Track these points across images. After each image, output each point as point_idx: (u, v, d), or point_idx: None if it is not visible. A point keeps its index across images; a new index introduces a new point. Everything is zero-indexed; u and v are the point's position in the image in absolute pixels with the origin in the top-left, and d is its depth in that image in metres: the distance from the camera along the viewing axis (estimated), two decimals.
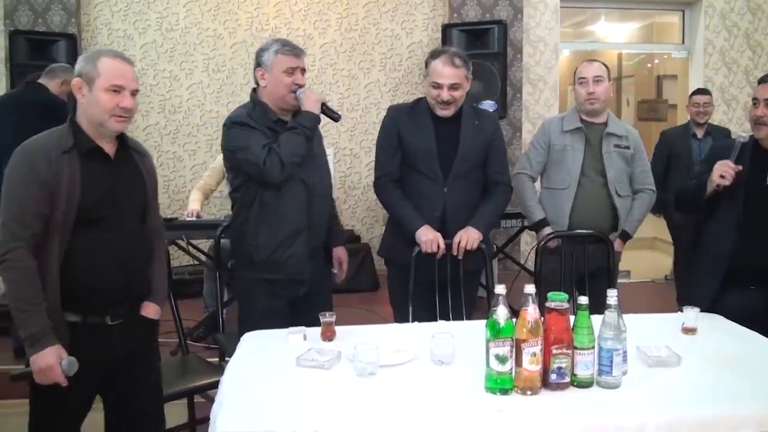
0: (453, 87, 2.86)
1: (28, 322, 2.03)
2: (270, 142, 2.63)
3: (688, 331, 2.38)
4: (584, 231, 3.22)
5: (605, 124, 3.31)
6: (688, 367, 2.09)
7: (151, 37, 5.93)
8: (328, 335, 2.30)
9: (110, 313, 2.19)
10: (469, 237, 2.90)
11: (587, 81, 3.25)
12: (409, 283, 2.89)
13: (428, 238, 2.88)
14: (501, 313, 1.85)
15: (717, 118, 6.40)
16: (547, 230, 3.31)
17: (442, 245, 2.89)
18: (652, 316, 2.72)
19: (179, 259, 5.51)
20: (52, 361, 2.04)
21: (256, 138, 2.64)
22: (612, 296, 1.97)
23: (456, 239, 2.90)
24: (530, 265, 5.67)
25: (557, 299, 1.90)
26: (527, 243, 6.00)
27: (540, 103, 6.18)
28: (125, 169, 2.24)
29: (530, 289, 1.86)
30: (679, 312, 2.50)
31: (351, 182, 6.17)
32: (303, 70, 2.75)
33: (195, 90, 5.99)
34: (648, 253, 7.63)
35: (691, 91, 6.55)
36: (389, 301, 3.16)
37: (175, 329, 3.15)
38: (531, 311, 1.85)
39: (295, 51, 2.73)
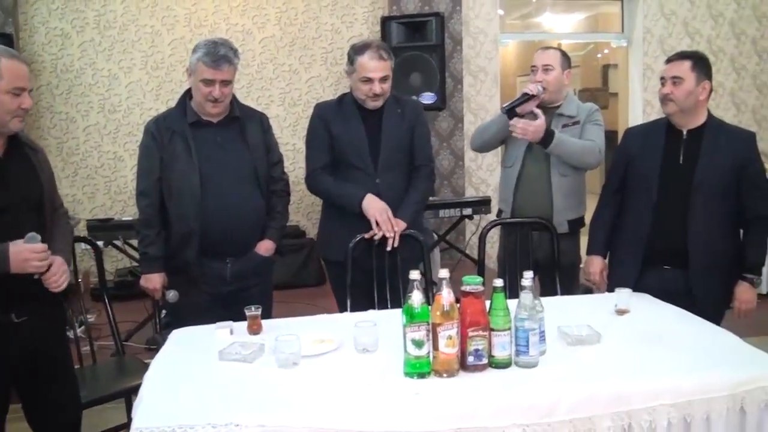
0: (383, 80, 2.89)
1: None
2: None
3: (622, 312, 2.43)
4: (528, 218, 3.18)
5: (559, 106, 3.25)
6: (608, 345, 2.15)
7: (89, 36, 5.82)
8: (255, 328, 2.31)
9: (15, 310, 2.19)
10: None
11: (537, 69, 3.22)
12: (347, 275, 2.89)
13: (379, 207, 2.87)
14: (416, 298, 1.88)
15: (656, 105, 6.55)
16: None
17: (391, 216, 2.88)
18: (585, 298, 2.78)
19: (122, 261, 5.48)
20: None
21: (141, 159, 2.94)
22: (527, 278, 2.02)
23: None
24: (474, 253, 5.81)
25: (472, 282, 1.94)
26: (471, 231, 5.98)
27: (481, 93, 6.21)
28: (16, 166, 2.21)
29: (444, 273, 1.90)
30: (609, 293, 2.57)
31: (294, 177, 5.99)
32: (225, 83, 2.74)
33: (134, 88, 5.90)
34: None
35: (631, 79, 6.69)
36: (334, 296, 3.16)
37: (110, 332, 3.12)
38: (445, 295, 1.88)
39: (215, 63, 2.69)
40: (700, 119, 2.74)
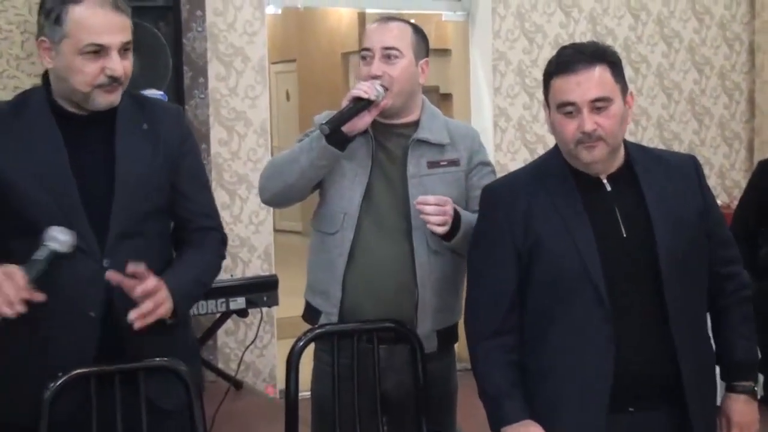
0: (123, 49, 2.43)
1: None
2: None
3: None
4: (370, 323, 2.84)
5: (416, 124, 2.89)
6: None
7: None
8: None
9: None
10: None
11: (372, 55, 2.85)
12: None
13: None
14: None
15: (513, 117, 6.31)
16: None
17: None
18: None
19: None
20: None
21: None
22: None
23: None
24: (242, 373, 5.31)
25: None
26: (229, 332, 5.43)
27: (238, 92, 5.51)
28: None
29: None
30: None
31: None
32: None
33: None
34: None
35: (474, 73, 6.36)
36: None
37: None
38: None
39: None
40: (621, 155, 2.52)
